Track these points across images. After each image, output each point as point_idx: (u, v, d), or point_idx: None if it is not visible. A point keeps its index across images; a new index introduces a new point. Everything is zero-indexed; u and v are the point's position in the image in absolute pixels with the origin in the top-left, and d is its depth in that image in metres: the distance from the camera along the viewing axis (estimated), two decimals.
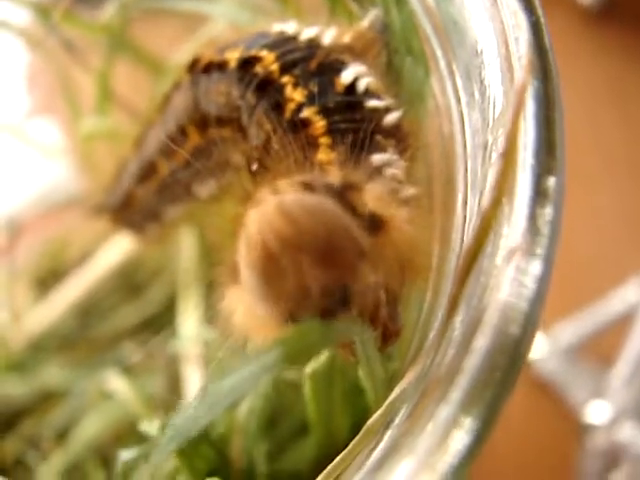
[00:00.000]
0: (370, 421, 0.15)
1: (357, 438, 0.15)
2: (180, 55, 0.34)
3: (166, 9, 0.32)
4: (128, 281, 0.41)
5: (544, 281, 0.14)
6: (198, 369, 0.33)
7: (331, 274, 0.15)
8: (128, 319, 0.41)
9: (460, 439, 0.13)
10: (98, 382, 0.36)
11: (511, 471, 0.43)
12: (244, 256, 0.15)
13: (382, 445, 0.14)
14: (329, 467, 0.16)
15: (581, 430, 0.41)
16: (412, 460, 0.13)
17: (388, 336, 0.17)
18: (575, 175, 0.49)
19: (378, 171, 0.18)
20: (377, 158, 0.18)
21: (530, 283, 0.14)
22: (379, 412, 0.15)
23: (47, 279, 0.43)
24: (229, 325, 0.17)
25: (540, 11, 0.17)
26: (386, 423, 0.15)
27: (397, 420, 0.15)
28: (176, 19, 0.33)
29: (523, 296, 0.14)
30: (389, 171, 0.18)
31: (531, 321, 0.14)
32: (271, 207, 0.15)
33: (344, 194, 0.16)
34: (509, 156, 0.15)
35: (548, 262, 0.14)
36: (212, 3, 0.31)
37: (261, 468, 0.25)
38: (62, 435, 0.37)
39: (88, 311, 0.41)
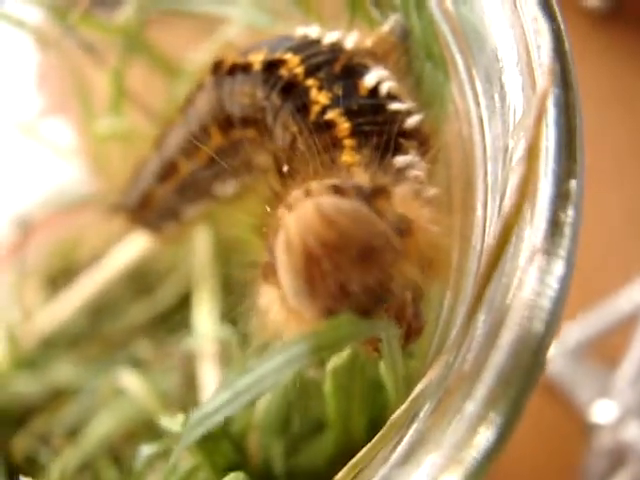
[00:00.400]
0: (394, 415, 0.16)
1: (381, 432, 0.16)
2: (195, 57, 0.34)
3: (182, 11, 0.32)
4: (140, 280, 0.42)
5: (566, 280, 0.15)
6: (214, 366, 0.33)
7: (369, 274, 0.15)
8: (140, 317, 0.41)
9: (486, 434, 0.14)
10: (111, 379, 0.36)
11: (517, 468, 0.43)
12: (284, 258, 0.16)
13: (407, 439, 0.15)
14: (353, 460, 0.16)
15: (587, 429, 0.42)
16: (438, 454, 0.14)
17: (411, 333, 0.17)
18: None
19: (401, 172, 0.18)
20: (400, 160, 0.19)
21: (553, 283, 0.15)
22: (403, 407, 0.16)
23: (58, 278, 0.43)
24: (259, 322, 0.18)
25: (560, 18, 0.17)
26: (410, 418, 0.15)
27: (422, 415, 0.15)
28: (191, 21, 0.33)
29: (546, 295, 0.14)
30: (412, 172, 0.18)
31: (554, 319, 0.14)
32: (309, 210, 0.16)
33: (373, 197, 0.17)
34: (531, 161, 0.15)
35: (570, 262, 0.15)
36: (229, 5, 0.31)
37: (278, 464, 0.25)
38: (73, 433, 0.37)
39: (100, 309, 0.41)
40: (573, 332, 0.45)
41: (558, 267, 0.15)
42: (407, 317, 0.17)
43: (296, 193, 0.16)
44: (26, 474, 0.36)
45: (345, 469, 0.16)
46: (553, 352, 0.46)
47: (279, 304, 0.17)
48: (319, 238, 0.15)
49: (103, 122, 0.35)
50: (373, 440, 0.16)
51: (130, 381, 0.34)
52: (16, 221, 0.42)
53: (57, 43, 0.35)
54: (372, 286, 0.16)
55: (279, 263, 0.16)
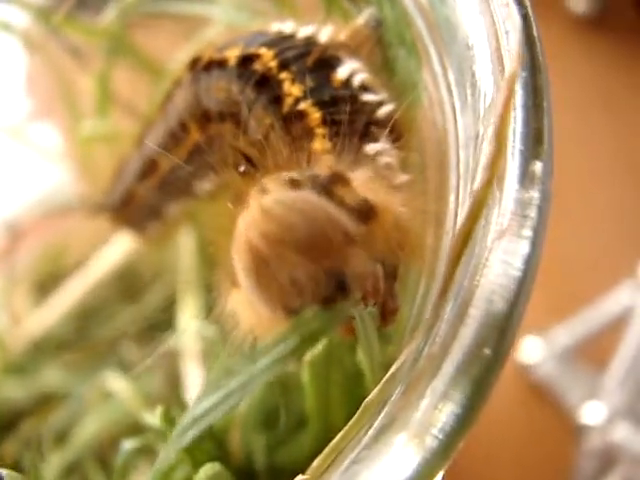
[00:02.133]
0: (368, 398, 0.16)
1: (356, 415, 0.16)
2: (178, 57, 0.34)
3: (164, 12, 0.33)
4: (126, 285, 0.42)
5: (531, 261, 0.15)
6: (198, 365, 0.33)
7: (319, 263, 0.15)
8: (126, 322, 0.41)
9: (448, 412, 0.14)
10: (97, 383, 0.36)
11: (509, 471, 0.44)
12: (237, 260, 0.16)
13: (378, 421, 0.15)
14: (331, 444, 0.16)
15: (577, 430, 0.42)
16: (405, 434, 0.14)
17: (387, 313, 0.17)
18: (568, 180, 0.50)
19: (372, 159, 0.18)
20: (371, 147, 0.19)
21: (518, 263, 0.15)
22: (377, 389, 0.16)
23: (46, 282, 0.43)
24: (233, 326, 0.18)
25: (528, 3, 0.17)
26: (384, 401, 0.16)
27: (393, 397, 0.15)
28: (173, 23, 0.34)
29: (511, 275, 0.15)
30: (383, 159, 0.19)
31: (519, 299, 0.14)
32: (255, 209, 0.16)
33: (331, 184, 0.17)
34: (499, 141, 0.15)
35: (535, 243, 0.15)
36: (209, 5, 0.32)
37: (260, 460, 0.26)
38: (61, 437, 0.37)
39: (87, 314, 0.41)
40: (562, 335, 0.46)
41: (523, 247, 0.15)
42: (381, 297, 0.17)
43: (253, 191, 0.17)
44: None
45: (322, 454, 0.16)
46: (542, 355, 0.46)
47: (247, 307, 0.17)
48: (262, 235, 0.15)
49: (87, 124, 0.35)
50: (348, 424, 0.16)
51: (116, 383, 0.34)
52: (4, 226, 0.42)
53: (43, 46, 0.35)
54: (327, 275, 0.16)
55: (236, 264, 0.16)
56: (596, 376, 0.44)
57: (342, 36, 0.22)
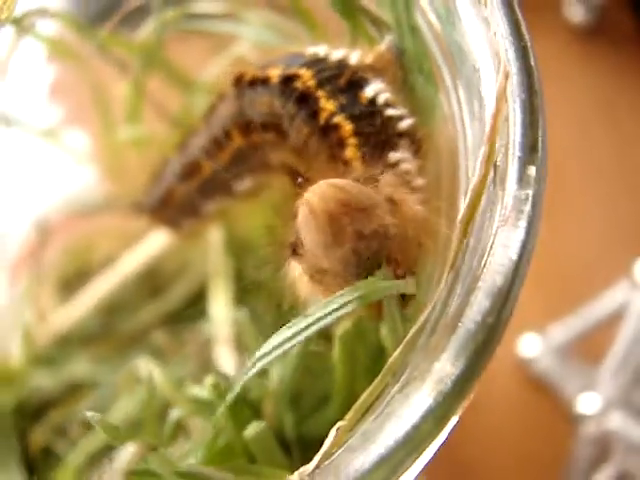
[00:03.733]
0: (392, 358, 0.19)
1: (382, 373, 0.19)
2: (209, 70, 0.37)
3: (195, 29, 0.35)
4: (153, 277, 0.43)
5: (526, 246, 0.18)
6: (230, 351, 0.35)
7: (374, 225, 0.20)
8: (153, 314, 0.42)
9: (461, 367, 0.17)
10: (128, 369, 0.37)
11: (508, 459, 0.46)
12: (311, 223, 0.20)
13: (403, 377, 0.18)
14: (361, 397, 0.20)
15: (574, 420, 0.44)
16: (426, 383, 0.17)
17: (406, 296, 0.21)
18: (566, 183, 0.52)
19: (394, 166, 0.22)
20: (393, 155, 0.23)
21: (515, 247, 0.18)
22: (398, 350, 0.19)
23: (73, 280, 0.44)
24: (292, 294, 0.21)
25: (527, 37, 0.21)
26: (405, 361, 0.19)
27: (414, 357, 0.19)
28: (203, 39, 0.36)
29: (509, 257, 0.18)
30: (403, 166, 0.23)
31: (517, 276, 0.18)
32: (324, 185, 0.20)
33: (365, 184, 0.21)
34: (491, 142, 0.19)
35: (530, 232, 0.18)
36: (240, 25, 0.34)
37: (290, 429, 0.29)
38: (90, 425, 0.38)
39: (114, 308, 0.43)
40: (559, 331, 0.48)
41: (519, 234, 0.18)
42: (406, 260, 0.21)
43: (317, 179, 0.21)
44: (43, 465, 0.38)
45: (354, 407, 0.20)
46: (541, 350, 0.48)
47: (306, 277, 0.21)
48: (335, 200, 0.19)
49: (125, 129, 0.37)
50: (376, 380, 0.19)
51: (148, 369, 0.35)
52: (34, 224, 0.43)
53: (75, 55, 0.37)
54: (380, 235, 0.20)
55: (305, 232, 0.20)
56: (591, 369, 0.46)
57: (369, 59, 0.25)
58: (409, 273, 0.21)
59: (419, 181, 0.22)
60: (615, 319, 0.45)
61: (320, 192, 0.20)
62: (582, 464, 0.44)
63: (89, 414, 0.21)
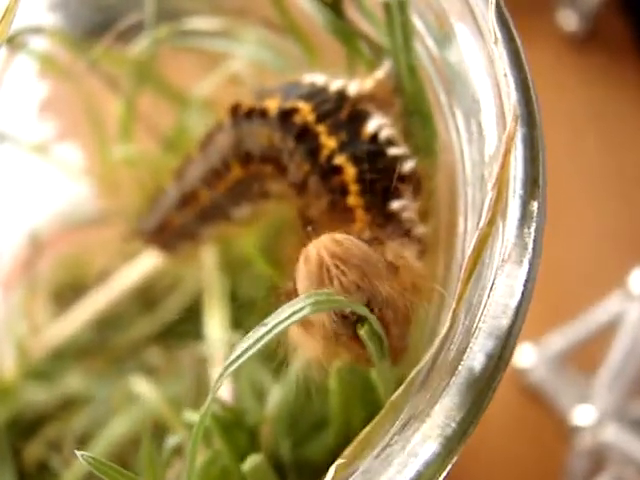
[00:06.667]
0: (393, 397, 0.19)
1: (383, 410, 0.19)
2: (202, 87, 0.36)
3: (189, 46, 0.35)
4: (147, 293, 0.43)
5: (529, 284, 0.18)
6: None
7: (365, 286, 0.20)
8: (147, 330, 0.42)
9: (462, 408, 0.17)
10: (122, 386, 0.37)
11: (505, 471, 0.46)
12: (303, 268, 0.20)
13: (403, 414, 0.18)
14: (361, 435, 0.19)
15: (569, 431, 0.44)
16: (427, 424, 0.17)
17: (395, 352, 0.21)
18: (560, 196, 0.51)
19: (396, 215, 0.23)
20: (396, 204, 0.23)
21: (518, 286, 0.18)
22: (400, 390, 0.19)
23: (65, 294, 0.44)
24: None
25: (527, 68, 0.21)
26: (406, 400, 0.19)
27: (414, 396, 0.19)
28: (196, 56, 0.36)
29: (512, 295, 0.18)
30: (405, 214, 0.23)
31: (519, 316, 0.18)
32: (327, 238, 0.20)
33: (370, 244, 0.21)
34: (500, 187, 0.19)
35: (532, 269, 0.18)
36: (234, 42, 0.34)
37: (287, 454, 0.29)
38: (84, 440, 0.38)
39: (107, 323, 0.42)
40: (554, 342, 0.48)
41: (522, 273, 0.18)
42: (391, 335, 0.21)
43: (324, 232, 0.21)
44: None
45: (354, 443, 0.20)
46: (536, 361, 0.48)
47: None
48: (332, 253, 0.20)
49: (117, 148, 0.37)
50: (377, 417, 0.19)
51: (142, 387, 0.35)
52: (27, 237, 0.43)
53: (67, 71, 0.37)
54: (367, 296, 0.20)
55: (298, 279, 0.20)
56: (586, 380, 0.45)
57: (367, 86, 0.25)
58: (400, 338, 0.21)
59: (420, 229, 0.23)
60: (610, 330, 0.45)
61: (318, 242, 0.20)
62: (577, 475, 0.44)
63: (78, 453, 0.21)
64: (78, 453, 0.21)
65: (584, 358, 0.47)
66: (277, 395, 0.28)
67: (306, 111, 0.25)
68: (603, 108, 0.57)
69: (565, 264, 0.51)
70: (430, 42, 0.24)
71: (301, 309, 0.19)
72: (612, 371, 0.44)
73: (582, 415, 0.44)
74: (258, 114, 0.26)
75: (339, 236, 0.20)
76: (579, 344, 0.47)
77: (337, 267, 0.20)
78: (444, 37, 0.23)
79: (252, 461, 0.24)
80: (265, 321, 0.19)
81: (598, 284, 0.49)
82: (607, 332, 0.46)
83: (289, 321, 0.19)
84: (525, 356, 0.48)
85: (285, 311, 0.19)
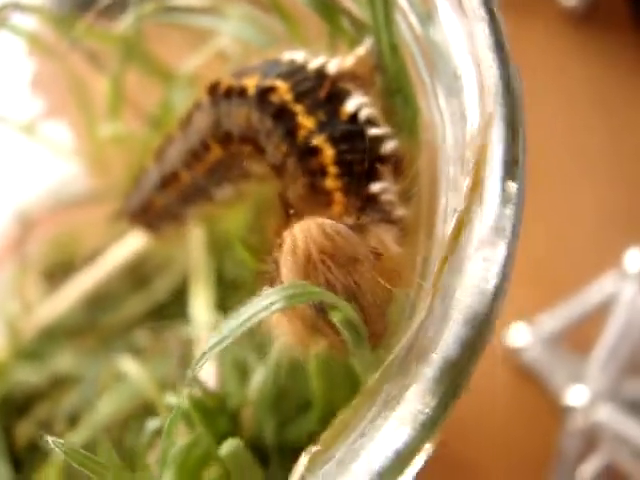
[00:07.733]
0: (369, 384, 0.19)
1: (358, 397, 0.19)
2: (188, 64, 0.36)
3: (174, 23, 0.34)
4: (136, 273, 0.43)
5: (506, 266, 0.18)
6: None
7: (349, 283, 0.20)
8: (136, 309, 0.42)
9: (436, 396, 0.17)
10: (110, 366, 0.37)
11: (497, 450, 0.46)
12: (288, 259, 0.20)
13: (379, 401, 0.18)
14: (337, 420, 0.19)
15: (562, 412, 0.44)
16: (400, 411, 0.17)
17: (374, 336, 0.21)
18: (555, 175, 0.52)
19: (375, 197, 0.22)
20: (375, 187, 0.22)
21: (495, 268, 0.18)
22: (376, 376, 0.19)
23: (56, 273, 0.44)
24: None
25: (508, 47, 0.20)
26: (382, 385, 0.19)
27: (390, 382, 0.18)
28: (182, 33, 0.35)
29: (489, 280, 0.18)
30: (384, 197, 0.22)
31: (496, 300, 0.17)
32: (313, 225, 0.20)
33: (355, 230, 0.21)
34: (477, 172, 0.18)
35: (510, 253, 0.18)
36: (219, 18, 0.33)
37: (270, 437, 0.28)
38: (75, 418, 0.38)
39: (97, 302, 0.43)
40: (548, 322, 0.48)
41: (499, 254, 0.18)
42: (371, 321, 0.20)
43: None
44: (29, 460, 0.38)
45: (329, 430, 0.19)
46: (529, 341, 0.47)
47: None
48: (319, 245, 0.20)
49: (105, 127, 0.37)
50: (352, 404, 0.19)
51: (130, 366, 0.36)
52: (16, 216, 0.43)
53: (53, 49, 0.36)
54: (351, 292, 0.20)
55: (283, 267, 0.20)
56: (580, 360, 0.45)
57: (348, 63, 0.24)
58: (379, 323, 0.21)
59: (399, 212, 0.22)
60: (604, 309, 0.45)
61: (307, 231, 0.20)
62: (569, 455, 0.44)
63: (50, 439, 0.21)
64: (52, 442, 0.21)
65: (578, 338, 0.47)
66: (259, 378, 0.28)
67: (284, 90, 0.24)
68: (602, 86, 0.57)
69: (560, 243, 0.51)
70: (413, 19, 0.23)
71: (275, 302, 0.19)
72: (606, 351, 0.44)
73: (575, 395, 0.43)
74: (236, 93, 0.25)
75: (329, 227, 0.20)
76: (573, 324, 0.47)
77: (324, 263, 0.19)
78: (427, 14, 0.22)
79: (229, 445, 0.24)
80: (238, 312, 0.19)
81: (593, 264, 0.48)
82: (601, 312, 0.45)
83: (262, 314, 0.19)
84: (519, 335, 0.48)
85: (259, 303, 0.19)
